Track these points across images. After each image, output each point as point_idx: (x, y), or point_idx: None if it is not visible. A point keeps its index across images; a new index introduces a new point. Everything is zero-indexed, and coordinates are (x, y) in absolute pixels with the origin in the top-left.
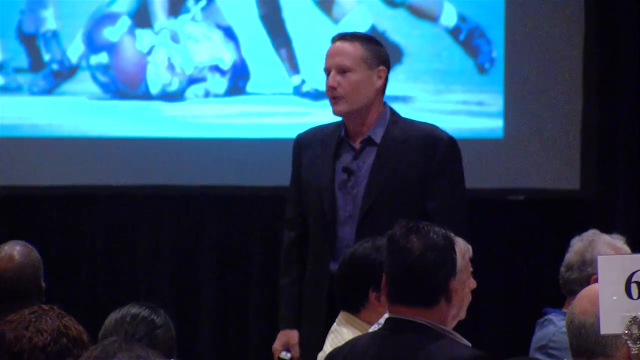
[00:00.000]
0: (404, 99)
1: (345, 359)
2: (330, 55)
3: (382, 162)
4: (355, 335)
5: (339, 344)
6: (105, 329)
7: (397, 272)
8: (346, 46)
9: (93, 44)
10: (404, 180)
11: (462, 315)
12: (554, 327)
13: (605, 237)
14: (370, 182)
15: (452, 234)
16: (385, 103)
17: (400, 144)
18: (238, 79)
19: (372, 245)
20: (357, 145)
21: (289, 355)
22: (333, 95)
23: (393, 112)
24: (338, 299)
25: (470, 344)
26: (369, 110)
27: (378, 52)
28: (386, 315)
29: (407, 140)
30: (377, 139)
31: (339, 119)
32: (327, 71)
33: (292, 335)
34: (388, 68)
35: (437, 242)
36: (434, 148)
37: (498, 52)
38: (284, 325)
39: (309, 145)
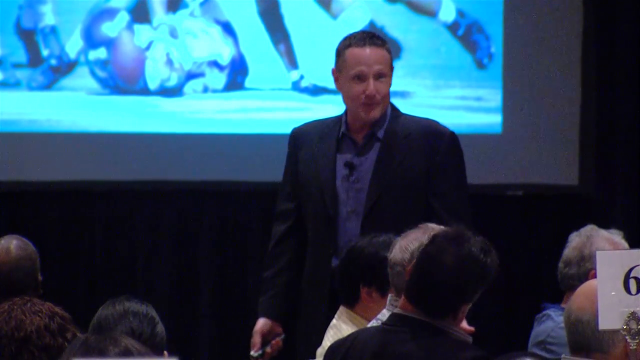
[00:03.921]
0: (402, 95)
1: (347, 352)
2: (365, 61)
3: (386, 157)
4: (353, 330)
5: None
6: (100, 324)
7: (420, 277)
8: (381, 52)
9: (92, 40)
10: (408, 175)
11: None
12: (552, 322)
13: (604, 233)
14: (374, 177)
15: (490, 260)
16: None
17: (402, 139)
18: (237, 74)
19: (369, 241)
20: (359, 140)
21: (255, 353)
22: (373, 102)
23: (394, 108)
24: (338, 293)
25: (471, 339)
26: None
27: (391, 51)
28: (384, 312)
29: (409, 135)
30: (380, 134)
31: (336, 113)
32: (362, 76)
33: (261, 327)
34: None
35: (469, 267)
36: (437, 143)
37: (497, 47)
38: (262, 314)
39: (306, 140)
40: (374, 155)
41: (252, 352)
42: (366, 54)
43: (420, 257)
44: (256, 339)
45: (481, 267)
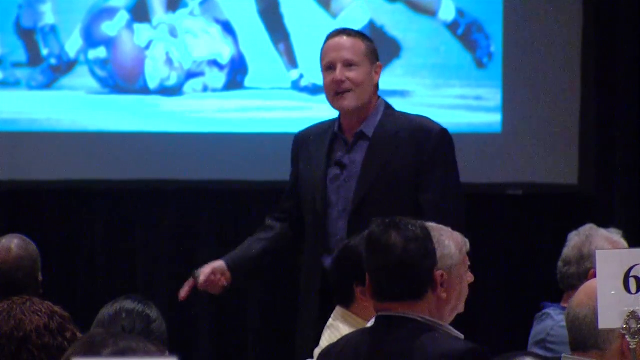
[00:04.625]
0: (402, 94)
1: (339, 356)
2: (334, 49)
3: (374, 155)
4: (350, 330)
5: (336, 340)
6: (98, 324)
7: (382, 270)
8: (351, 41)
9: (91, 39)
10: (396, 173)
11: (461, 308)
12: (552, 321)
13: (603, 232)
14: (362, 175)
15: (427, 224)
16: (379, 97)
17: (392, 136)
18: (236, 73)
19: (361, 239)
20: (350, 139)
21: (198, 273)
22: (341, 89)
23: (387, 106)
24: (334, 293)
25: (462, 336)
26: (367, 105)
27: (375, 49)
28: None
29: (398, 133)
30: (370, 133)
31: (335, 113)
32: (331, 65)
33: (214, 262)
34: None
35: (417, 234)
36: (426, 140)
37: (496, 46)
38: (222, 258)
39: (305, 142)
40: (363, 153)
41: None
42: (335, 43)
43: (370, 260)
44: (206, 269)
45: (423, 228)
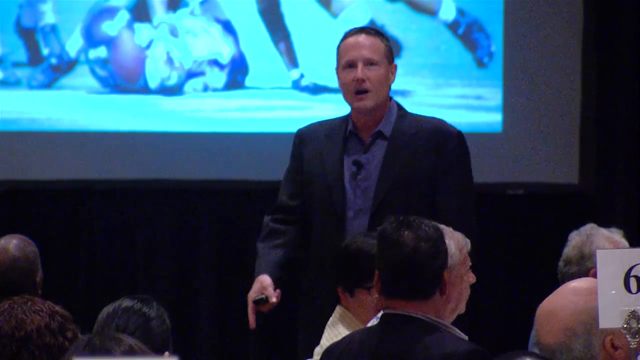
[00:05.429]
0: (402, 93)
1: (342, 355)
2: (353, 47)
3: (394, 155)
4: (348, 329)
5: (335, 339)
6: (98, 323)
7: (392, 267)
8: (372, 40)
9: (92, 38)
10: (415, 174)
11: (462, 309)
12: None
13: (603, 231)
14: (382, 175)
15: (441, 225)
16: (391, 97)
17: (410, 137)
18: (237, 73)
19: (358, 240)
20: (366, 138)
21: (262, 295)
22: (362, 87)
23: (399, 107)
24: None
25: (467, 337)
26: (382, 105)
27: (392, 49)
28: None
29: (416, 134)
30: (387, 133)
31: (340, 113)
32: (351, 63)
33: (263, 279)
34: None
35: (429, 233)
36: (444, 142)
37: (497, 46)
38: (256, 275)
39: (311, 139)
40: (381, 153)
41: (254, 296)
42: (355, 41)
43: (380, 256)
44: (268, 290)
45: (436, 229)
